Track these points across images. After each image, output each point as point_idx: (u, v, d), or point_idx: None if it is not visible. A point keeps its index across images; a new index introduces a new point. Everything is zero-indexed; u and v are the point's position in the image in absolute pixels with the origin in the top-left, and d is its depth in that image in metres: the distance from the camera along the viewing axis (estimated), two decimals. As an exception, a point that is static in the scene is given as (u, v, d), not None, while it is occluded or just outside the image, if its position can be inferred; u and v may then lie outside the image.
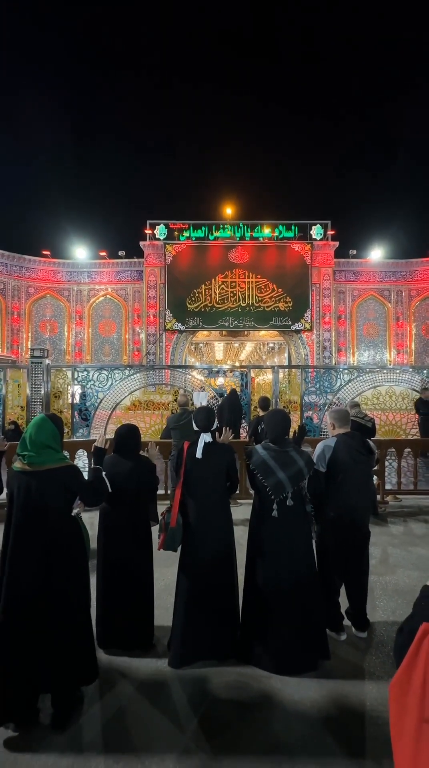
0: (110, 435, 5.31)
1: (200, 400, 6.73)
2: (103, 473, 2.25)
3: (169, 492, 5.18)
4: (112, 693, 2.17)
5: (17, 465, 1.96)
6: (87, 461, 5.73)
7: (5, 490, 2.11)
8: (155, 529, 2.53)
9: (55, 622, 1.93)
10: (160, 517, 2.48)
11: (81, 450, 5.81)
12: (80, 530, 2.10)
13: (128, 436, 2.61)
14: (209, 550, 2.40)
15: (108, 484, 2.29)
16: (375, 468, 5.45)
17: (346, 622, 2.72)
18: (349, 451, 2.54)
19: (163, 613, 2.63)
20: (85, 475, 2.28)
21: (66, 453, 2.28)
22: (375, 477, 5.76)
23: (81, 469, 2.24)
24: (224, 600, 2.42)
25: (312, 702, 2.12)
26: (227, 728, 1.97)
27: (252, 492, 2.52)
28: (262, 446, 2.44)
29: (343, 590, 2.72)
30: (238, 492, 5.41)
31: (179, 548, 2.45)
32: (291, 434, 2.60)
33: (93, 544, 2.41)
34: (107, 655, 2.42)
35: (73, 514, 2.07)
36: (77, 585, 2.04)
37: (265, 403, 5.43)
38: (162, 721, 1.99)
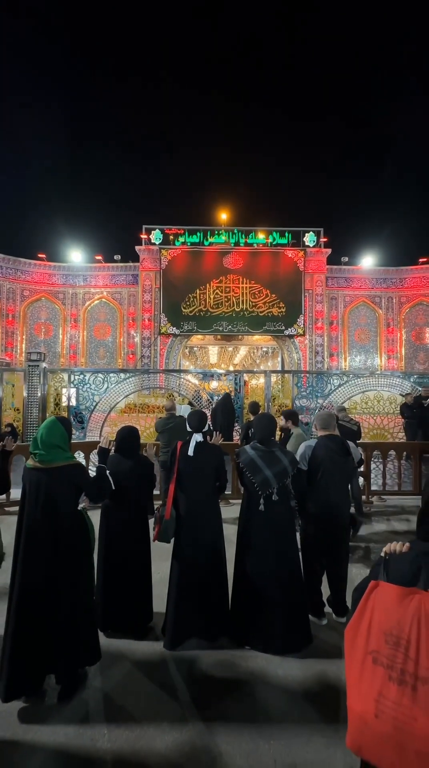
0: (105, 437, 5.46)
1: (183, 412, 6.90)
2: (107, 471, 2.47)
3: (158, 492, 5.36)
4: (112, 670, 2.38)
5: (30, 462, 2.17)
6: (84, 462, 5.90)
7: (11, 486, 2.31)
8: (151, 523, 2.74)
9: (62, 606, 2.13)
10: (155, 511, 2.70)
11: (78, 451, 5.98)
12: (85, 523, 2.30)
13: (129, 437, 2.83)
14: (200, 541, 2.63)
15: (112, 482, 2.50)
16: (360, 470, 5.72)
17: (328, 609, 2.96)
18: (328, 451, 2.79)
19: (159, 602, 2.83)
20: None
21: (79, 453, 2.47)
22: (361, 479, 6.03)
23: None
24: (214, 586, 2.64)
25: (294, 678, 2.35)
26: (218, 700, 2.18)
27: (242, 490, 2.75)
28: (251, 446, 2.68)
29: (325, 579, 2.95)
30: (229, 492, 5.64)
31: (173, 540, 2.67)
32: (278, 436, 2.84)
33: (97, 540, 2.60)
34: (107, 638, 2.62)
35: (79, 508, 2.28)
36: (81, 572, 2.24)
37: (254, 407, 5.67)
38: (158, 695, 2.21)
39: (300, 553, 2.76)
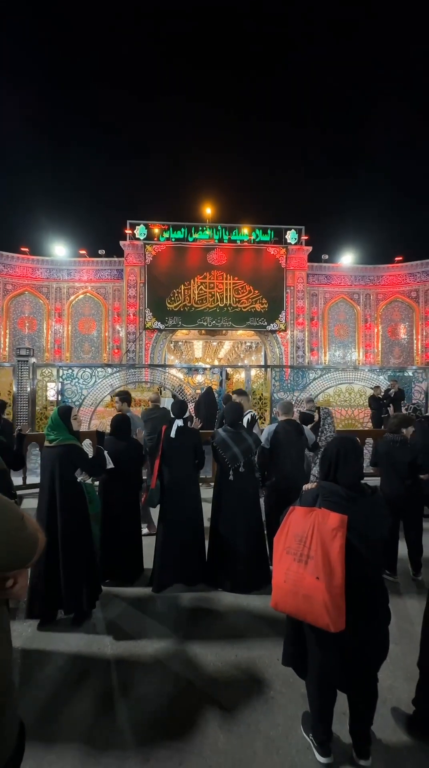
0: (94, 429, 6.10)
1: (167, 404, 7.45)
2: (105, 452, 3.03)
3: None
4: (110, 606, 2.99)
5: (46, 442, 2.74)
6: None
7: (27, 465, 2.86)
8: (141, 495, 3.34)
9: (66, 553, 2.70)
10: (143, 483, 3.29)
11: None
12: (83, 491, 2.85)
13: (122, 422, 3.41)
14: (180, 506, 3.24)
15: (110, 461, 3.06)
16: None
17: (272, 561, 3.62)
18: (286, 433, 3.43)
19: (147, 561, 3.44)
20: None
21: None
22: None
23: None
24: (193, 542, 3.27)
25: (255, 608, 3.00)
26: (195, 623, 2.81)
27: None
28: (223, 429, 3.30)
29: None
30: (211, 476, 6.25)
31: (159, 506, 3.27)
32: (245, 422, 3.46)
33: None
34: (105, 586, 3.21)
35: (78, 480, 2.83)
36: (80, 528, 2.79)
37: (228, 399, 6.31)
38: (148, 620, 2.83)
39: (263, 515, 3.40)
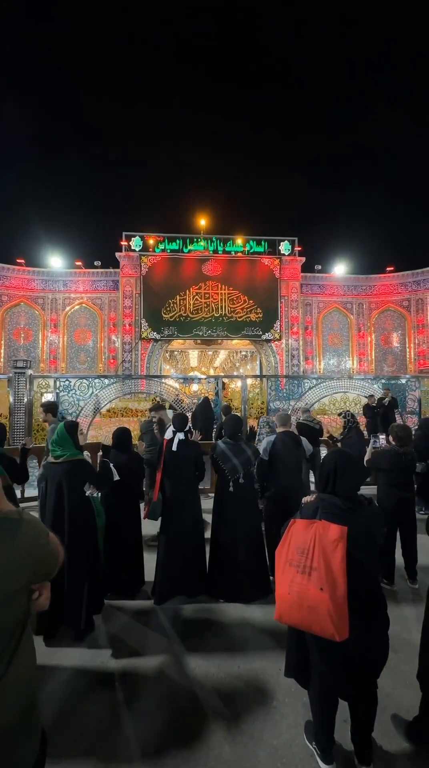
0: (91, 440, 6.10)
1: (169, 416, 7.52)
2: (111, 464, 3.09)
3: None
4: (113, 620, 3.01)
5: (49, 459, 2.78)
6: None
7: (30, 477, 2.91)
8: (142, 506, 3.38)
9: (72, 569, 2.73)
10: (145, 495, 3.34)
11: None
12: (91, 505, 2.91)
13: (123, 435, 3.47)
14: (182, 518, 3.29)
15: (115, 473, 3.10)
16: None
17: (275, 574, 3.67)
18: (284, 444, 3.51)
19: (148, 574, 3.47)
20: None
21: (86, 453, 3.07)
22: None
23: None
24: (194, 554, 3.31)
25: (256, 619, 3.04)
26: (197, 635, 2.84)
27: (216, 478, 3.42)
28: (222, 441, 3.37)
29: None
30: (209, 486, 6.29)
31: (160, 519, 3.31)
32: (245, 433, 3.53)
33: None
34: (107, 599, 3.23)
35: (87, 494, 2.88)
36: (88, 542, 2.85)
37: (227, 410, 6.38)
38: (150, 633, 2.86)
39: (263, 525, 3.46)
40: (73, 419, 8.12)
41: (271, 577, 3.53)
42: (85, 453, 3.04)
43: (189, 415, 7.61)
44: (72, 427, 2.96)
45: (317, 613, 1.59)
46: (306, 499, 1.95)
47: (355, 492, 1.81)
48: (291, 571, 1.75)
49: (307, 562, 1.70)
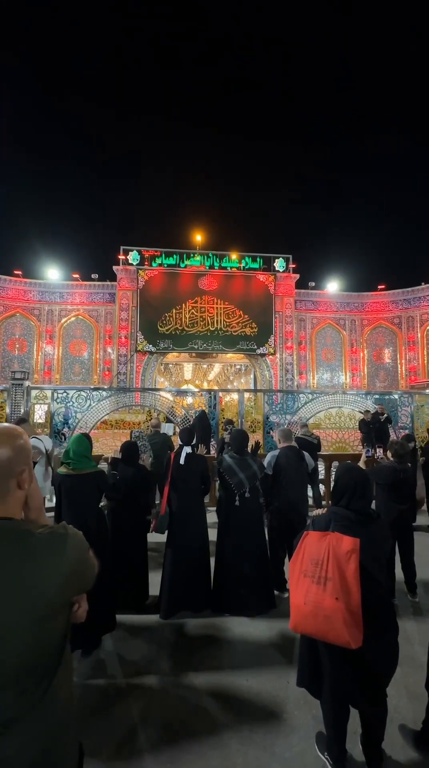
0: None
1: (166, 429, 7.58)
2: (118, 477, 3.14)
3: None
4: (118, 634, 3.01)
5: (63, 470, 2.83)
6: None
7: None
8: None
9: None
10: (152, 509, 3.38)
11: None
12: (105, 518, 2.95)
13: (131, 449, 3.53)
14: (188, 532, 3.33)
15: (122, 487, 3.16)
16: (322, 477, 6.60)
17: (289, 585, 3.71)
18: (288, 459, 3.60)
19: (153, 588, 3.48)
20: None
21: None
22: (322, 486, 6.90)
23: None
24: (199, 568, 3.34)
25: (262, 633, 3.07)
26: (203, 650, 2.86)
27: (218, 493, 3.48)
28: (229, 455, 3.45)
29: (287, 560, 3.71)
30: (208, 500, 6.32)
31: (166, 532, 3.35)
32: (250, 447, 3.62)
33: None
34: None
35: (100, 506, 2.93)
36: (101, 558, 2.87)
37: (230, 424, 6.46)
38: (156, 648, 2.87)
39: (267, 539, 3.52)
40: (70, 431, 8.19)
41: (279, 592, 3.57)
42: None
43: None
44: (89, 440, 3.01)
45: (333, 622, 1.66)
46: (317, 511, 2.04)
47: (368, 507, 1.91)
48: (306, 581, 1.82)
49: (321, 573, 1.78)
